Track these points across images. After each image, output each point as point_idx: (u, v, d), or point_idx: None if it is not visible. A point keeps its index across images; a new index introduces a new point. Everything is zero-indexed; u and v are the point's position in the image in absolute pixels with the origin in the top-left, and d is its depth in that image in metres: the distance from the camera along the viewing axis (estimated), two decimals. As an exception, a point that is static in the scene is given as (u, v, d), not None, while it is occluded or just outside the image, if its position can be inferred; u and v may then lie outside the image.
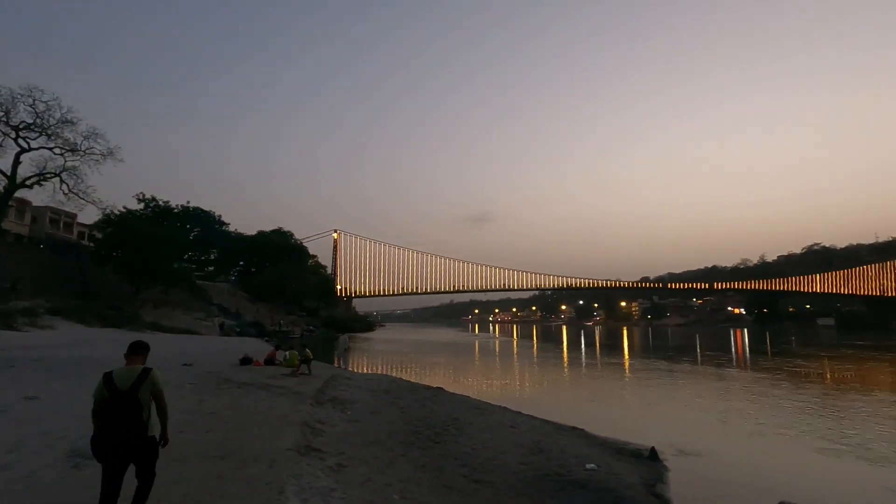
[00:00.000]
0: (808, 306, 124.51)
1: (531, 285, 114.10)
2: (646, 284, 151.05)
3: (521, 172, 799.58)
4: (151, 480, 3.74)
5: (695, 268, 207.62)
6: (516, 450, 8.49)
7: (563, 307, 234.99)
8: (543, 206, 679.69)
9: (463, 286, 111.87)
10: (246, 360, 17.97)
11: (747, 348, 49.10)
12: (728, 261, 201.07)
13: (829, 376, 25.83)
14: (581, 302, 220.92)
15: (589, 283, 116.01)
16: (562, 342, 65.11)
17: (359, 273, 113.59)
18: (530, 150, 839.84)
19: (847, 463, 9.49)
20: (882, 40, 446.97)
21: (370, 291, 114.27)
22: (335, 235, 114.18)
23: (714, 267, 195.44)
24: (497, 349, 51.66)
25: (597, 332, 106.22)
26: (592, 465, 7.59)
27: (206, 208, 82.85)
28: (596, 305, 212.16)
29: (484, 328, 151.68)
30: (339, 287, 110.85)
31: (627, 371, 29.35)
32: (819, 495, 7.32)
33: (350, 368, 21.38)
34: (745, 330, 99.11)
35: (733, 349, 48.00)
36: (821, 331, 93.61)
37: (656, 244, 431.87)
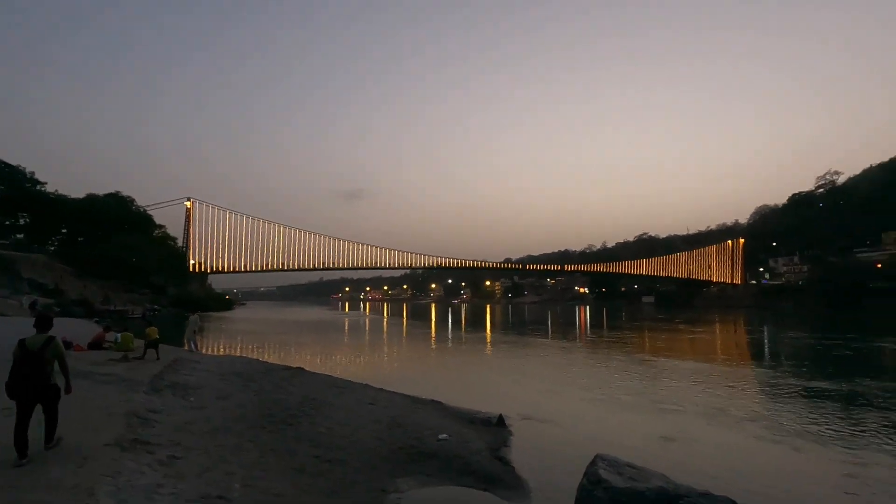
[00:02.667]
0: (636, 286, 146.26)
1: (403, 264, 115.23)
2: (508, 265, 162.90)
3: (396, 152, 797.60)
4: (56, 417, 5.34)
5: (550, 251, 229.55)
6: (373, 426, 8.51)
7: (433, 286, 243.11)
8: (417, 186, 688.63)
9: (333, 263, 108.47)
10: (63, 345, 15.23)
11: (588, 323, 55.92)
12: (578, 245, 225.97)
13: (647, 345, 30.64)
14: (450, 281, 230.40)
15: (457, 263, 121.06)
16: (430, 319, 67.34)
17: (217, 247, 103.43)
18: (409, 131, 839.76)
19: (653, 417, 11.34)
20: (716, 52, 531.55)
21: (230, 267, 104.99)
22: (188, 204, 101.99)
23: (566, 251, 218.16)
24: (367, 327, 51.50)
25: (463, 309, 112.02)
26: (445, 435, 7.93)
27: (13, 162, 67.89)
28: (463, 284, 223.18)
29: (354, 306, 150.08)
30: (192, 262, 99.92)
31: (487, 345, 31.44)
32: (629, 446, 8.60)
33: (201, 351, 19.49)
34: (588, 307, 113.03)
35: (577, 324, 54.28)
36: (644, 307, 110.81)
37: (519, 228, 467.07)
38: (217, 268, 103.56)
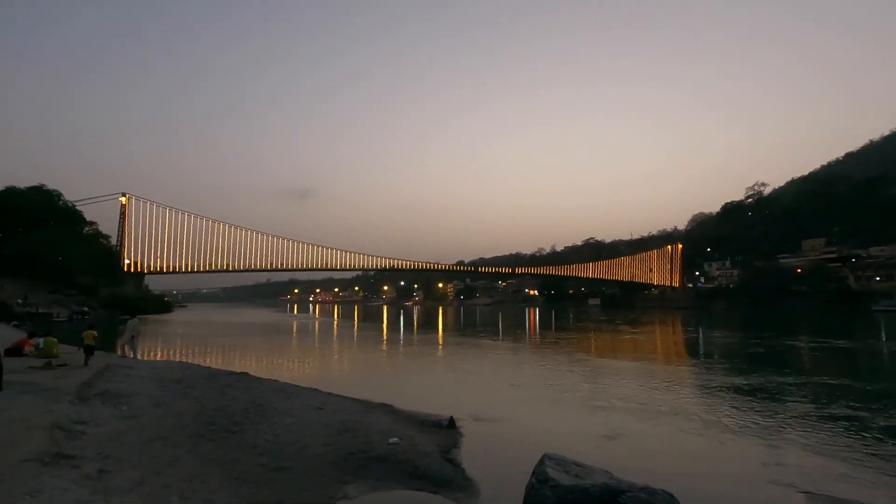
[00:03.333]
0: (583, 289, 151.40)
1: (354, 265, 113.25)
2: (461, 267, 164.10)
3: (348, 151, 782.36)
4: None
5: (502, 254, 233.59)
6: (322, 432, 8.31)
7: (386, 288, 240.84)
8: (369, 186, 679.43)
9: (282, 264, 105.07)
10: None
11: (538, 324, 57.28)
12: (529, 249, 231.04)
13: (592, 345, 31.79)
14: (402, 283, 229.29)
15: (410, 265, 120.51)
16: (382, 321, 66.71)
17: (155, 246, 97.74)
18: (363, 130, 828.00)
19: (597, 414, 11.77)
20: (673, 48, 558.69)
21: (169, 268, 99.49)
22: (123, 200, 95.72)
23: (517, 254, 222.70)
24: (316, 330, 50.33)
25: (415, 311, 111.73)
26: (396, 439, 7.87)
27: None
28: (416, 286, 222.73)
29: (304, 309, 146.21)
30: (127, 262, 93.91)
31: (439, 347, 31.51)
32: (576, 444, 8.89)
33: (137, 357, 18.33)
34: (538, 309, 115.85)
35: (527, 325, 55.47)
36: (590, 308, 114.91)
37: (472, 231, 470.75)
38: (155, 268, 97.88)
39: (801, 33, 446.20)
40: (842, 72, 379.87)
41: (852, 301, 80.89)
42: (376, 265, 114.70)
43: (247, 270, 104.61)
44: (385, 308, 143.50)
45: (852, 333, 37.68)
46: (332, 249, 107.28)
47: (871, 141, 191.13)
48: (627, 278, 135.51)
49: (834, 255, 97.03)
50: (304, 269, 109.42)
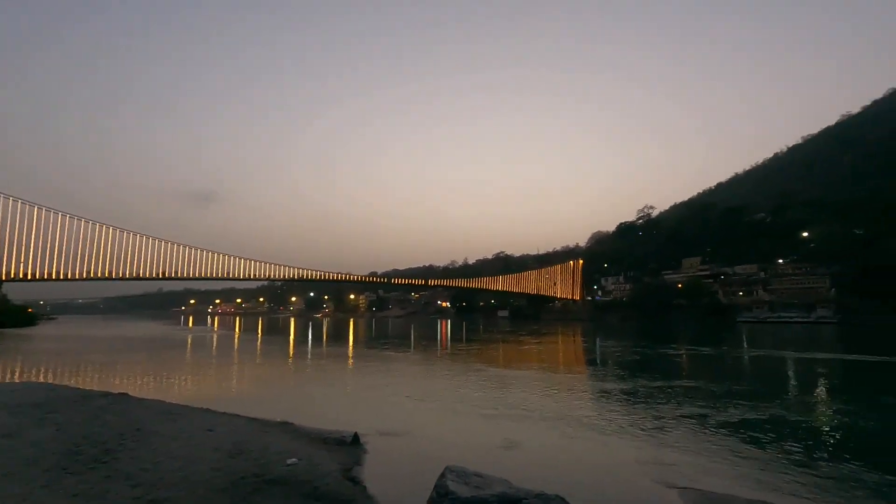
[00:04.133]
0: (492, 301, 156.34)
1: (260, 275, 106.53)
2: (374, 279, 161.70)
3: (256, 153, 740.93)
4: None
5: (416, 266, 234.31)
6: (212, 455, 7.64)
7: (294, 298, 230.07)
8: (280, 192, 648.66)
9: (176, 273, 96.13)
10: None
11: (449, 336, 58.00)
12: (442, 261, 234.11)
13: (499, 355, 32.83)
14: (312, 294, 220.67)
15: (320, 276, 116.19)
16: (289, 334, 63.53)
17: (18, 249, 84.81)
18: (273, 128, 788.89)
19: (501, 424, 12.11)
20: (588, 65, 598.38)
21: (37, 274, 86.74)
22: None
23: (430, 266, 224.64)
24: (214, 344, 46.58)
25: (325, 323, 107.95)
26: (294, 459, 7.46)
27: None
28: (326, 298, 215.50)
29: (201, 321, 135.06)
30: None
31: (349, 360, 30.66)
32: (478, 454, 9.05)
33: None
34: (449, 320, 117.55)
35: (438, 337, 55.94)
36: (499, 320, 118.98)
37: (386, 243, 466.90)
38: (16, 274, 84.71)
39: (680, 77, 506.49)
40: (716, 111, 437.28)
41: (722, 313, 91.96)
42: (284, 275, 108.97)
43: (134, 279, 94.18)
44: (293, 320, 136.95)
45: (721, 342, 42.75)
46: (235, 257, 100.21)
47: (737, 173, 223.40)
48: (534, 291, 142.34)
49: (707, 273, 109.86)
50: (203, 278, 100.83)
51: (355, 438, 9.43)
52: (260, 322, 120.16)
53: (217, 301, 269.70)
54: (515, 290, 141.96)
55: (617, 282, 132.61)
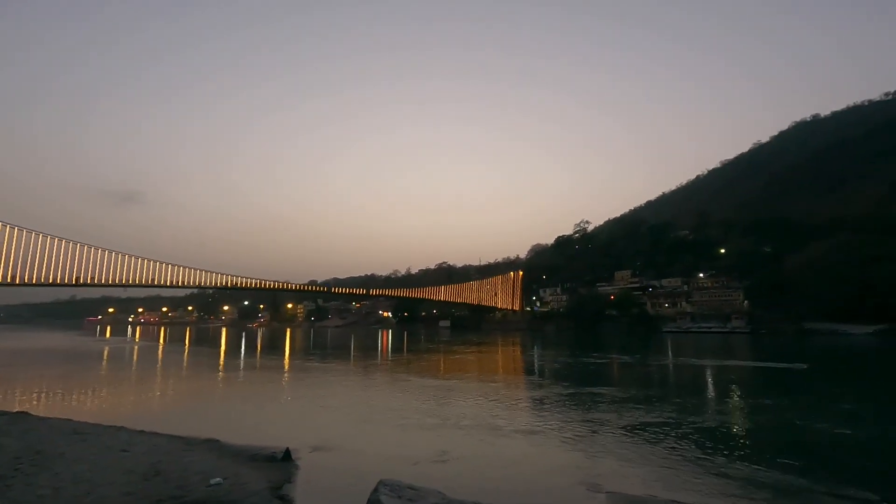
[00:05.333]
0: (434, 311, 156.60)
1: (190, 282, 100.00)
2: (313, 287, 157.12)
3: (190, 153, 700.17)
4: None
5: (357, 275, 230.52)
6: (123, 478, 7.05)
7: (226, 308, 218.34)
8: (214, 195, 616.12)
9: (93, 278, 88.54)
10: None
11: (390, 346, 57.32)
12: (384, 270, 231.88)
13: (440, 366, 32.83)
14: (246, 302, 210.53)
15: (256, 284, 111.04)
16: (219, 345, 60.15)
17: None
18: (208, 128, 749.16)
19: (437, 434, 12.08)
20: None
21: (-79, 279, 76.49)
22: None
23: (372, 275, 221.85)
24: (134, 356, 43.17)
25: (259, 333, 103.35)
26: (218, 479, 7.04)
27: None
28: (262, 307, 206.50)
29: (121, 331, 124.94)
30: None
31: (285, 372, 29.47)
32: (414, 466, 8.97)
33: None
34: (391, 331, 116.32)
35: (379, 347, 55.12)
36: (441, 330, 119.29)
37: (327, 251, 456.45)
38: None
39: (619, 98, 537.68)
40: (651, 132, 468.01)
41: (649, 323, 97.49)
42: (216, 282, 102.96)
43: (42, 285, 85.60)
44: (224, 330, 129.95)
45: (648, 351, 45.27)
46: (161, 263, 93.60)
47: (664, 193, 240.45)
48: (476, 302, 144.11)
49: (637, 285, 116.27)
50: (123, 285, 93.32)
51: (287, 454, 9.05)
52: (188, 332, 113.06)
53: (139, 309, 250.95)
54: (457, 300, 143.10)
55: (555, 293, 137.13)
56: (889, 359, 39.04)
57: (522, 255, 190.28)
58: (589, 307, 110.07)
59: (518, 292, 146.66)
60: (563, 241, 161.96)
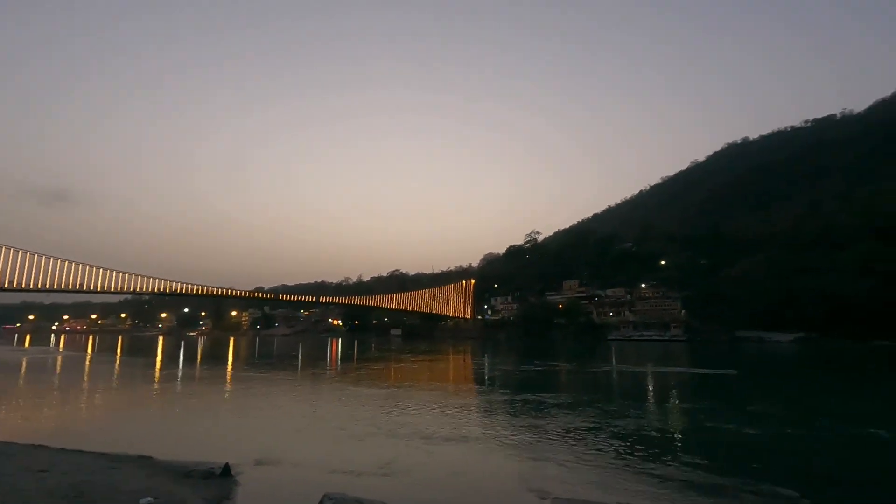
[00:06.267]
0: (386, 319, 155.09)
1: (122, 287, 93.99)
2: (260, 294, 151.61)
3: (123, 147, 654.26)
4: None
5: (306, 282, 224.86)
6: (43, 501, 6.46)
7: (164, 315, 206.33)
8: (149, 194, 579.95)
9: (10, 283, 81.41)
10: None
11: (340, 355, 56.11)
12: (335, 278, 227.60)
13: (390, 375, 32.47)
14: (186, 310, 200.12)
15: (197, 290, 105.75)
16: (155, 355, 56.65)
17: None
18: (144, 121, 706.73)
19: (384, 444, 11.91)
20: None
21: None
22: None
23: (323, 282, 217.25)
24: (57, 367, 39.85)
25: (200, 342, 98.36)
26: (149, 498, 6.59)
27: None
28: (203, 314, 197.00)
29: (43, 340, 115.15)
30: None
31: (227, 383, 28.15)
32: (360, 478, 8.78)
33: None
34: (340, 339, 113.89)
35: (329, 356, 53.84)
36: (392, 339, 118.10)
37: (275, 256, 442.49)
38: None
39: (571, 111, 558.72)
40: (600, 146, 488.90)
41: (595, 331, 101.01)
42: (153, 288, 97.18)
43: (-51, 289, 77.73)
44: (161, 339, 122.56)
45: (593, 358, 46.83)
46: (92, 267, 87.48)
47: (609, 206, 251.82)
48: (428, 310, 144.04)
49: (584, 295, 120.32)
50: (46, 290, 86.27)
51: (226, 469, 8.61)
52: (120, 341, 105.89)
53: (65, 317, 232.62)
54: (410, 308, 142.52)
55: (506, 301, 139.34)
56: (806, 364, 42.39)
57: (475, 263, 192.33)
58: (538, 316, 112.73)
59: (470, 301, 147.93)
60: (514, 251, 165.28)
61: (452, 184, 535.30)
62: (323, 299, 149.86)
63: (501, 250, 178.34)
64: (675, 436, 13.75)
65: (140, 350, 69.35)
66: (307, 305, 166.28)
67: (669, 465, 10.25)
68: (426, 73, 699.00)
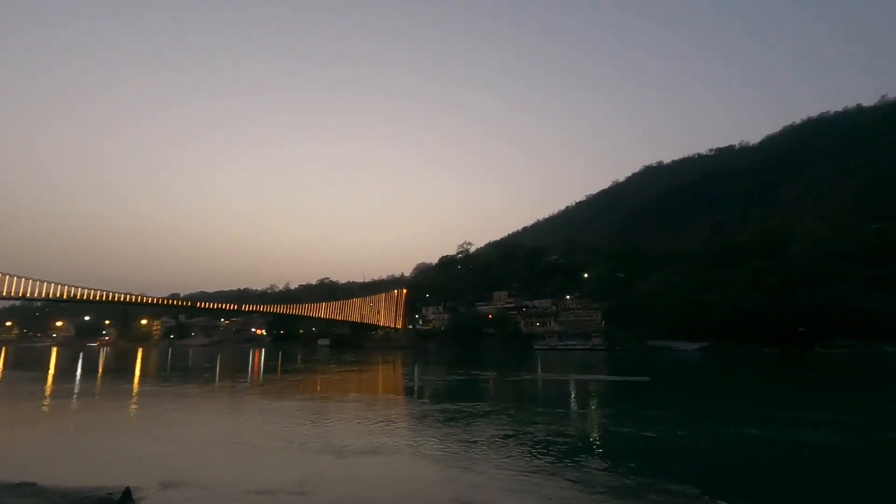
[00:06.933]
0: (314, 329, 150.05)
1: (8, 292, 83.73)
2: (175, 302, 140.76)
3: (6, 134, 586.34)
4: None
5: (228, 289, 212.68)
6: None
7: (59, 323, 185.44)
8: (42, 188, 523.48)
9: None
10: None
11: (263, 366, 53.37)
12: (259, 285, 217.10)
13: (316, 386, 31.37)
14: (87, 318, 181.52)
15: (101, 296, 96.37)
16: (48, 368, 50.64)
17: None
18: (33, 105, 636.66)
19: (301, 462, 11.43)
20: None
21: None
22: None
23: (246, 289, 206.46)
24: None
25: (102, 353, 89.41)
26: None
27: None
28: (108, 322, 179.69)
29: None
30: None
31: (131, 398, 25.72)
32: (269, 499, 8.34)
33: None
34: (264, 350, 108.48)
35: (250, 368, 51.03)
36: (320, 349, 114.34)
37: (193, 261, 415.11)
38: None
39: (503, 126, 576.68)
40: (529, 161, 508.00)
41: (522, 341, 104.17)
42: (46, 292, 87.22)
43: None
44: (55, 350, 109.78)
45: (520, 367, 48.18)
46: (-30, 268, 76.89)
47: (539, 220, 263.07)
48: (358, 319, 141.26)
49: (513, 305, 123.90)
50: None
51: (126, 494, 7.85)
52: (2, 352, 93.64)
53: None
54: (339, 317, 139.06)
55: (437, 311, 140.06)
56: (708, 371, 46.40)
57: (407, 273, 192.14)
58: (469, 325, 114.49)
59: (402, 310, 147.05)
60: (447, 261, 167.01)
61: (386, 192, 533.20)
62: (246, 307, 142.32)
63: (434, 260, 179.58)
64: (592, 440, 14.44)
65: (28, 363, 61.75)
66: (228, 314, 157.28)
67: (585, 468, 10.72)
68: (356, 74, 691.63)
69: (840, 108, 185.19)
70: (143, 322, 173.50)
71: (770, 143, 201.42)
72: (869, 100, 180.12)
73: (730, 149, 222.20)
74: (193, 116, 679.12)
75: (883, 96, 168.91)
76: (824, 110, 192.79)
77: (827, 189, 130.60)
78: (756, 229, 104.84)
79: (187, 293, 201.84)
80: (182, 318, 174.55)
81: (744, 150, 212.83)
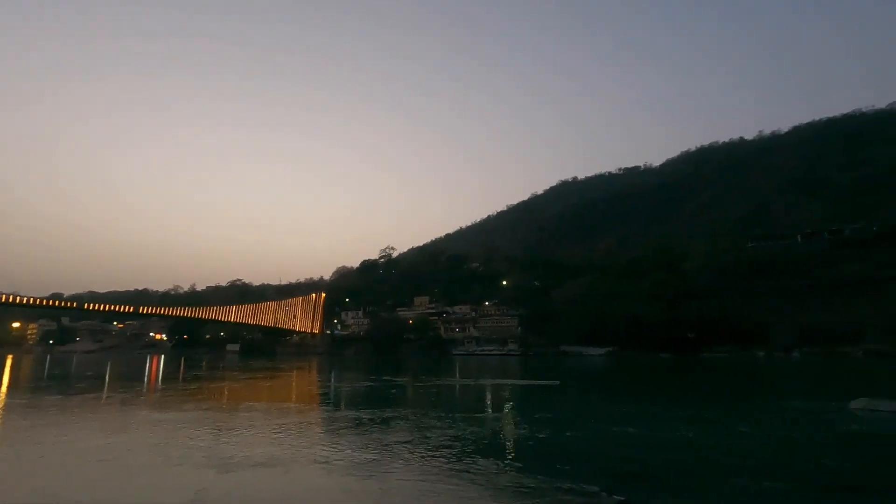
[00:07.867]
0: (222, 333, 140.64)
1: None
2: (57, 302, 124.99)
3: None
4: None
5: (123, 289, 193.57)
6: None
7: None
8: None
9: None
10: None
11: (161, 374, 48.97)
12: (161, 286, 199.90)
13: (223, 395, 29.30)
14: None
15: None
16: None
17: None
18: None
19: (199, 478, 10.59)
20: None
21: None
22: None
23: (145, 290, 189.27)
24: None
25: (-40, 361, 77.04)
26: None
27: None
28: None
29: None
30: None
31: (-9, 413, 22.31)
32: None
33: None
34: (163, 355, 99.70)
35: (147, 375, 46.62)
36: (228, 355, 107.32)
37: (80, 256, 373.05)
38: None
39: (426, 135, 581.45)
40: (447, 169, 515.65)
41: (442, 346, 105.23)
42: None
43: None
44: None
45: (439, 372, 48.54)
46: None
47: (461, 227, 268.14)
48: (272, 324, 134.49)
49: (433, 311, 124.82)
50: None
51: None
52: None
53: None
54: (251, 321, 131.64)
55: (356, 316, 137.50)
56: (611, 375, 49.83)
57: (327, 276, 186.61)
58: (389, 331, 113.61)
59: (319, 315, 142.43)
60: (368, 265, 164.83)
61: (310, 194, 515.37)
62: (144, 310, 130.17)
63: (356, 264, 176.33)
64: (503, 443, 14.83)
65: None
66: (122, 317, 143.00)
67: (493, 470, 10.96)
68: (279, 60, 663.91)
69: (727, 139, 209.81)
70: (16, 325, 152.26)
71: (669, 166, 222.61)
72: (750, 132, 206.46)
73: (635, 169, 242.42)
74: (90, 95, 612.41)
75: (760, 131, 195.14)
76: (714, 140, 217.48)
77: (716, 210, 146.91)
78: (656, 245, 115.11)
79: (73, 293, 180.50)
80: (66, 320, 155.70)
81: (648, 171, 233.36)
